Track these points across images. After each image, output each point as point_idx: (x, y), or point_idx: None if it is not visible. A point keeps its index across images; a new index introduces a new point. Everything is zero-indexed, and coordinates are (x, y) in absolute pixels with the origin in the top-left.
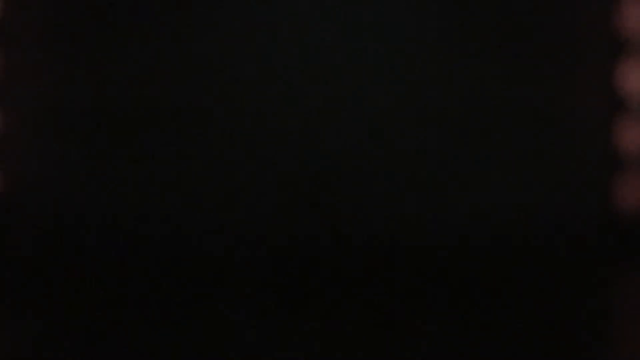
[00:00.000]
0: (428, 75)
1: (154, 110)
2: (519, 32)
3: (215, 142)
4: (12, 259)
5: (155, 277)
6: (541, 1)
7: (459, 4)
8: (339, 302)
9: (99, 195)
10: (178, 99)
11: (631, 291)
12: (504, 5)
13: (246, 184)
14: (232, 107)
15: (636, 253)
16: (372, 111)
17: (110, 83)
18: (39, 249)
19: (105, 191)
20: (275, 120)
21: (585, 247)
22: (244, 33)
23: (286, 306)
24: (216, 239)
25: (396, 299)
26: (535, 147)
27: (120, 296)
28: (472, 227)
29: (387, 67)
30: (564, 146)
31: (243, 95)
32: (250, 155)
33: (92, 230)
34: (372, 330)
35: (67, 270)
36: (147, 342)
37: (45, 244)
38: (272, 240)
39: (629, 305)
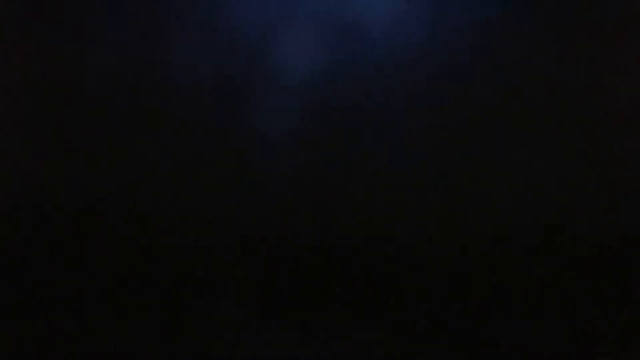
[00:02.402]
0: (448, 65)
1: (147, 107)
2: (551, 23)
3: (211, 139)
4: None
5: (153, 276)
6: None
7: None
8: (338, 302)
9: (91, 194)
10: (172, 95)
11: None
12: None
13: (244, 182)
14: (228, 101)
15: None
16: (373, 110)
17: (92, 76)
18: (25, 246)
19: (96, 189)
20: (273, 119)
21: (623, 247)
22: (247, 23)
23: (285, 306)
24: (213, 238)
25: (397, 299)
26: (565, 144)
27: (114, 295)
28: (490, 225)
29: (390, 65)
30: (598, 143)
31: (242, 89)
32: (249, 155)
33: (84, 229)
34: (372, 330)
35: (58, 269)
36: (145, 341)
37: (34, 242)
38: (271, 240)
39: None
